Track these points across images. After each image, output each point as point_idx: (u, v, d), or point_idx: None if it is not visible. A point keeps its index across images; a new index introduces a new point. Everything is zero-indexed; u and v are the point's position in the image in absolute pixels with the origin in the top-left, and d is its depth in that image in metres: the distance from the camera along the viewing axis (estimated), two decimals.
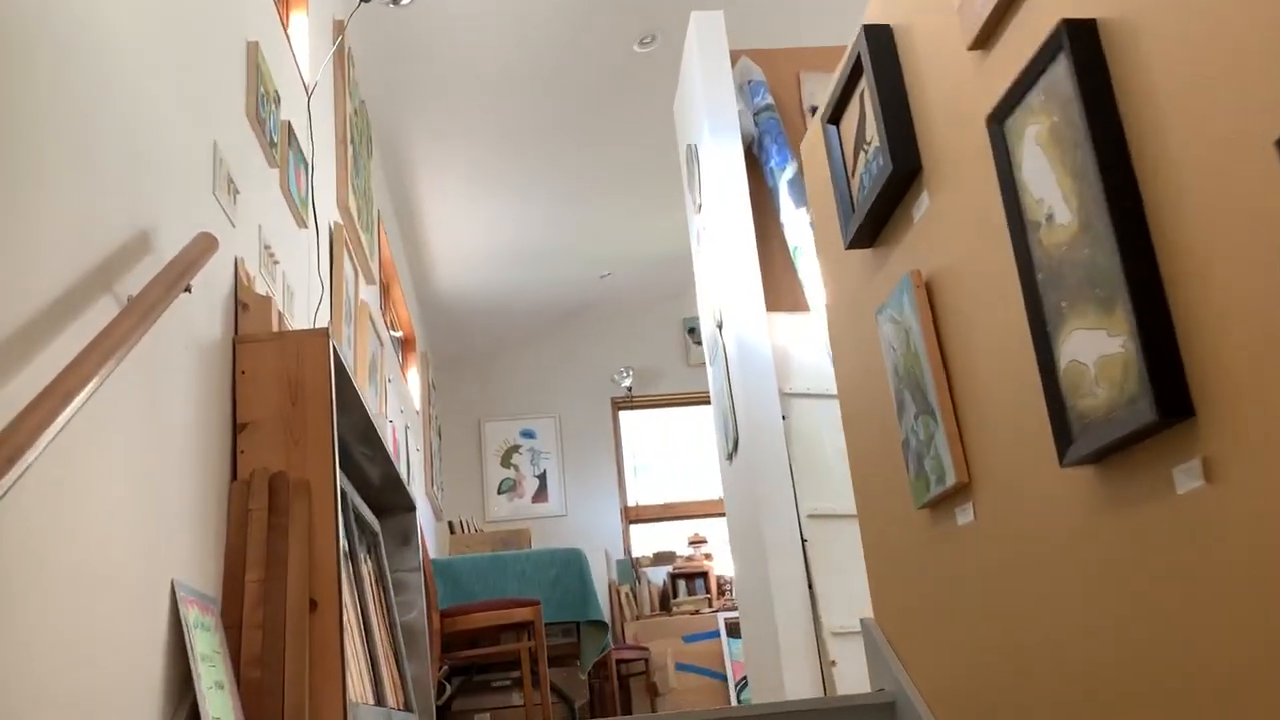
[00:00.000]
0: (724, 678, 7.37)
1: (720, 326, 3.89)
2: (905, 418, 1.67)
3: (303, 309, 3.03)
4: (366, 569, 3.34)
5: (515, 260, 7.24)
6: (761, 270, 3.80)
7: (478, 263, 7.17)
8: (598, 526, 8.14)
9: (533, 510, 8.13)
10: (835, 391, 3.74)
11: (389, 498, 3.83)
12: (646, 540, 8.46)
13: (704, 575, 8.02)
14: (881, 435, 1.84)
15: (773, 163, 3.95)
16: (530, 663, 4.30)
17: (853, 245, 1.84)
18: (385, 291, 5.99)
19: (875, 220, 1.76)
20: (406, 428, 5.79)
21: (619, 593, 7.83)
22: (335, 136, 3.83)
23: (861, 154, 1.80)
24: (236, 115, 2.46)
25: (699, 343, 8.58)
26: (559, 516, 8.12)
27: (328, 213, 3.57)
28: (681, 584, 8.01)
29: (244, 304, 2.30)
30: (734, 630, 7.56)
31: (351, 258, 3.86)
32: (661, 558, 8.15)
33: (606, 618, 4.65)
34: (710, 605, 7.79)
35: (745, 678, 7.41)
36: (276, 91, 2.79)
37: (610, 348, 8.47)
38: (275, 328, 2.34)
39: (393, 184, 5.94)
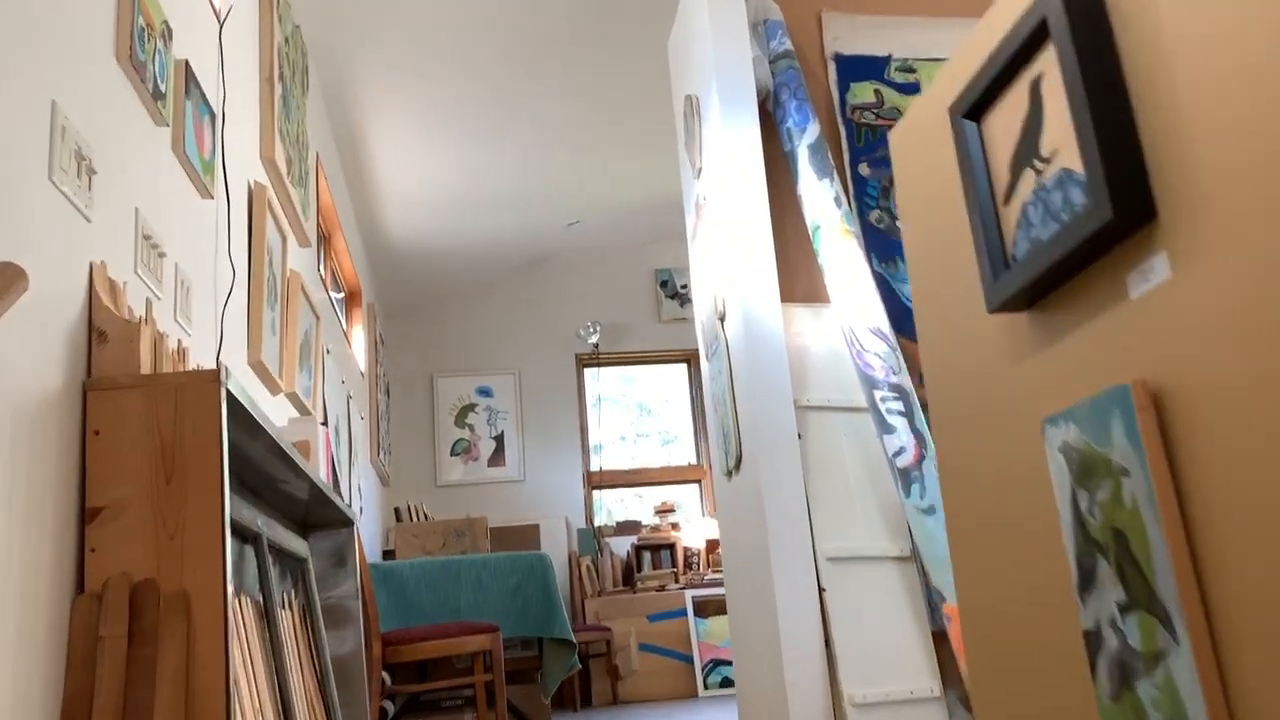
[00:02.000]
0: (690, 660, 6.91)
1: (722, 319, 3.27)
2: (1098, 600, 1.08)
3: (204, 306, 2.36)
4: (287, 618, 2.73)
5: (474, 205, 6.53)
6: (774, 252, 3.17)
7: (433, 207, 6.44)
8: (558, 493, 7.57)
9: (488, 474, 7.53)
10: (861, 404, 3.17)
11: (320, 512, 3.20)
12: (610, 508, 7.92)
13: (671, 547, 7.51)
14: (1034, 599, 1.25)
15: (790, 123, 3.30)
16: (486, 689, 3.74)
17: (1002, 308, 1.23)
18: (326, 242, 5.29)
19: (1049, 278, 1.14)
20: (349, 397, 5.13)
21: (579, 565, 7.31)
22: (259, 74, 3.11)
23: (1029, 173, 1.17)
24: (97, 60, 1.76)
25: (671, 296, 7.96)
26: (516, 481, 7.54)
27: (246, 171, 2.87)
28: (646, 556, 7.51)
29: (100, 332, 1.63)
30: (701, 609, 7.08)
31: (277, 222, 3.17)
32: (625, 527, 7.63)
33: (569, 624, 4.08)
34: (676, 580, 7.30)
35: (713, 661, 6.95)
36: (166, 23, 2.08)
37: (576, 300, 7.82)
38: (148, 364, 1.68)
39: (335, 121, 5.18)
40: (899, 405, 2.97)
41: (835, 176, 3.23)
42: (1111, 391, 1.05)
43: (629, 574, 7.43)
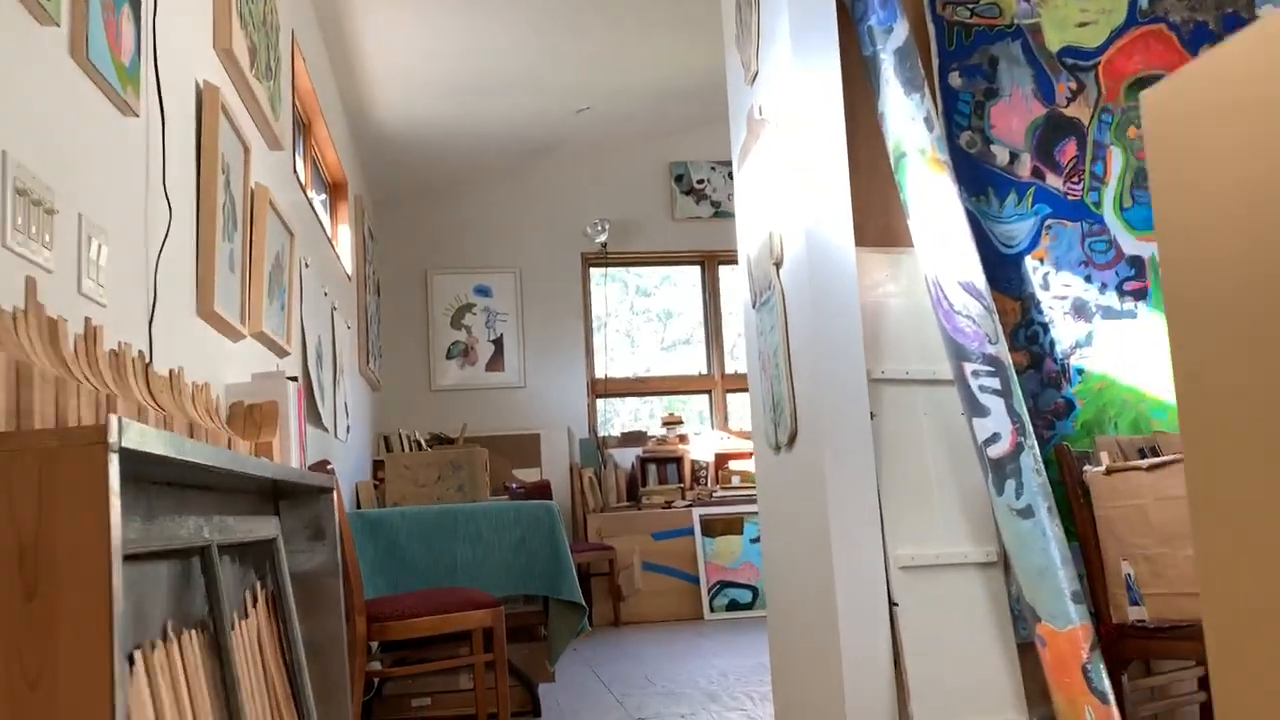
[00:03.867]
0: (696, 581, 6.56)
1: (778, 264, 2.70)
2: None
3: (132, 260, 1.80)
4: (247, 626, 2.25)
5: (474, 87, 5.84)
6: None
7: (428, 88, 5.76)
8: (560, 400, 7.09)
9: (486, 379, 7.04)
10: (946, 375, 2.64)
11: (292, 482, 2.70)
12: (615, 418, 7.46)
13: (678, 461, 7.09)
14: None
15: (873, 20, 2.67)
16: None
17: None
18: (305, 131, 4.65)
19: None
20: (333, 308, 4.59)
21: (582, 477, 6.90)
22: None
23: None
24: None
25: (687, 192, 7.32)
26: (516, 388, 7.05)
27: (191, 70, 2.26)
28: (652, 469, 7.09)
29: None
30: (708, 528, 6.69)
31: (237, 129, 2.57)
32: (631, 438, 7.19)
33: (578, 584, 3.64)
34: (683, 496, 6.89)
35: (720, 583, 6.60)
36: None
37: (583, 195, 7.18)
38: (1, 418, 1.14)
39: None
40: (994, 382, 2.44)
41: (926, 91, 2.62)
42: None
43: (633, 487, 7.02)
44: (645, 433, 7.22)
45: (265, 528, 2.53)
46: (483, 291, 7.10)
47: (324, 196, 5.08)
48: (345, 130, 5.56)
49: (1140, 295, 2.84)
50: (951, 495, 2.50)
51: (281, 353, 3.16)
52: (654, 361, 7.55)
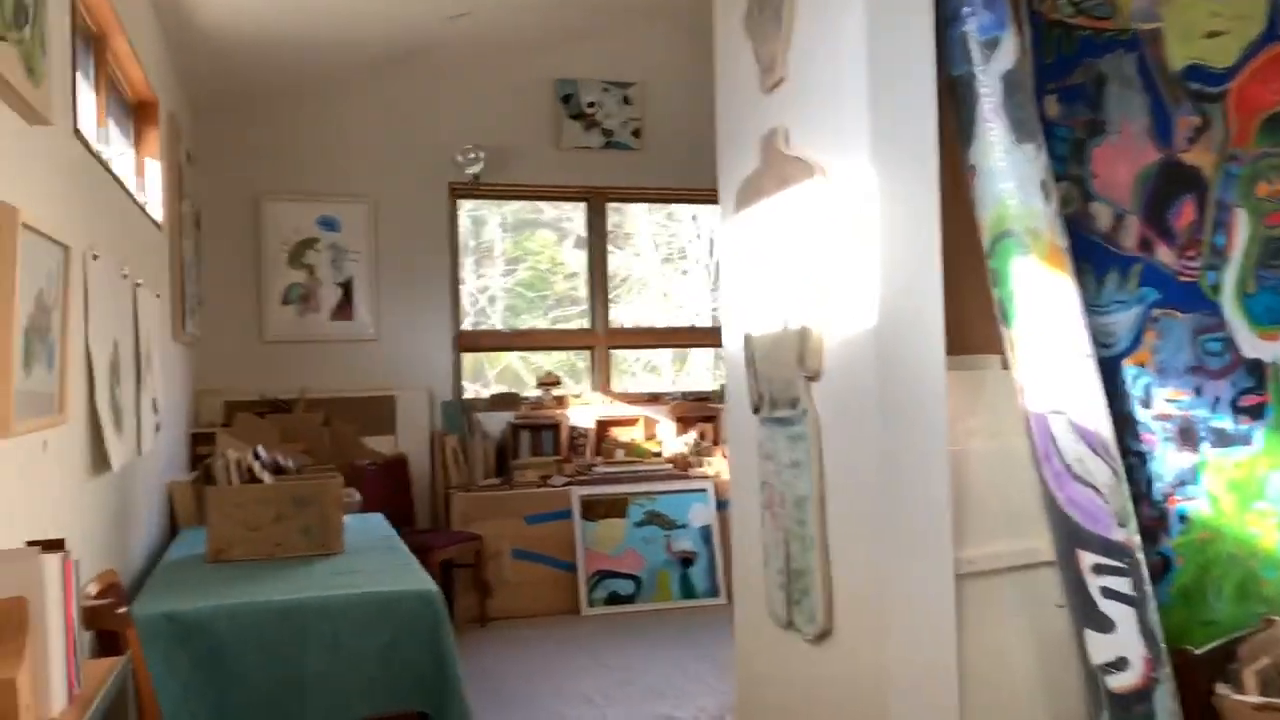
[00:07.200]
0: (573, 568, 5.81)
1: (813, 378, 1.85)
2: None
3: None
4: None
5: None
6: None
7: None
8: (421, 357, 6.09)
9: (331, 330, 5.95)
10: (1043, 555, 1.88)
11: None
12: (485, 377, 6.52)
13: (554, 427, 6.26)
14: None
15: (971, 24, 1.79)
16: None
17: None
18: (98, 46, 3.44)
19: None
20: (135, 287, 3.47)
21: (444, 447, 5.99)
22: None
23: None
24: None
25: (575, 117, 6.30)
26: (367, 341, 5.99)
27: None
28: (525, 437, 6.23)
29: None
30: (589, 510, 5.93)
31: None
32: (502, 401, 6.29)
33: (466, 699, 2.81)
34: (560, 470, 6.08)
35: (600, 573, 5.88)
36: None
37: (454, 115, 6.04)
38: None
39: None
40: (1123, 584, 1.70)
41: (1043, 140, 1.78)
42: None
43: (503, 458, 6.15)
44: (518, 395, 6.33)
45: None
46: (329, 225, 5.94)
47: (125, 150, 3.86)
48: (156, 33, 4.29)
49: (1257, 413, 2.15)
50: None
51: (51, 426, 2.13)
52: (529, 313, 6.63)
